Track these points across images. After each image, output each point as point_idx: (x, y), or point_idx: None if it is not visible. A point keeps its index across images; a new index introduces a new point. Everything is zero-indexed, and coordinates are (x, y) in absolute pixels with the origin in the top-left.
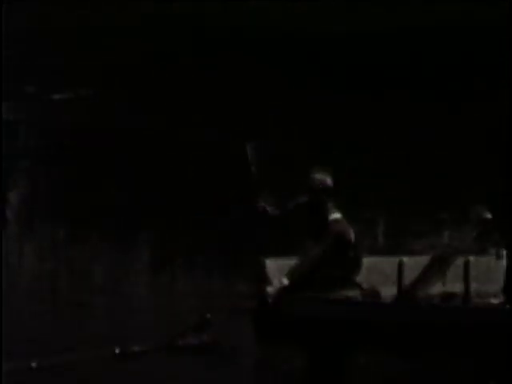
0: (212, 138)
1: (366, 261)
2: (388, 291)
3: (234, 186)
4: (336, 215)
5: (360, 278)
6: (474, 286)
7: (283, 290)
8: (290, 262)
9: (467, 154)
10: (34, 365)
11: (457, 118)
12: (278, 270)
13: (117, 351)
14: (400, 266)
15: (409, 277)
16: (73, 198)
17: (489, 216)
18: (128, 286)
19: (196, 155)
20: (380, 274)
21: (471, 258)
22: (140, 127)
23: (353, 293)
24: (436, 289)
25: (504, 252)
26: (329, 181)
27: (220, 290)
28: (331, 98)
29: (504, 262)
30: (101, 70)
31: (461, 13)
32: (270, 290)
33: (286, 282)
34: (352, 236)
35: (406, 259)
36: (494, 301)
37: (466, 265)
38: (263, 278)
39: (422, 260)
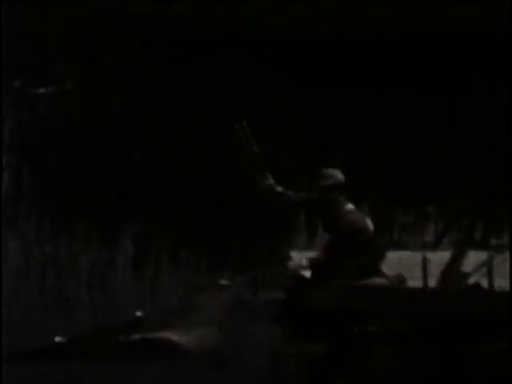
0: (212, 137)
1: (389, 255)
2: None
3: (233, 186)
4: (349, 206)
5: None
6: (497, 281)
7: (302, 277)
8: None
9: (467, 154)
10: (58, 339)
11: (457, 117)
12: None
13: (138, 314)
14: (424, 261)
15: (432, 272)
16: (72, 198)
17: None
18: (125, 283)
19: (196, 155)
20: (403, 268)
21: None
22: (140, 127)
23: (379, 280)
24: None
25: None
26: (340, 176)
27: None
28: (331, 98)
29: None
30: (101, 70)
31: (461, 13)
32: (290, 264)
33: (304, 262)
34: (368, 224)
35: (429, 254)
36: None
37: (490, 259)
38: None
39: (445, 255)
